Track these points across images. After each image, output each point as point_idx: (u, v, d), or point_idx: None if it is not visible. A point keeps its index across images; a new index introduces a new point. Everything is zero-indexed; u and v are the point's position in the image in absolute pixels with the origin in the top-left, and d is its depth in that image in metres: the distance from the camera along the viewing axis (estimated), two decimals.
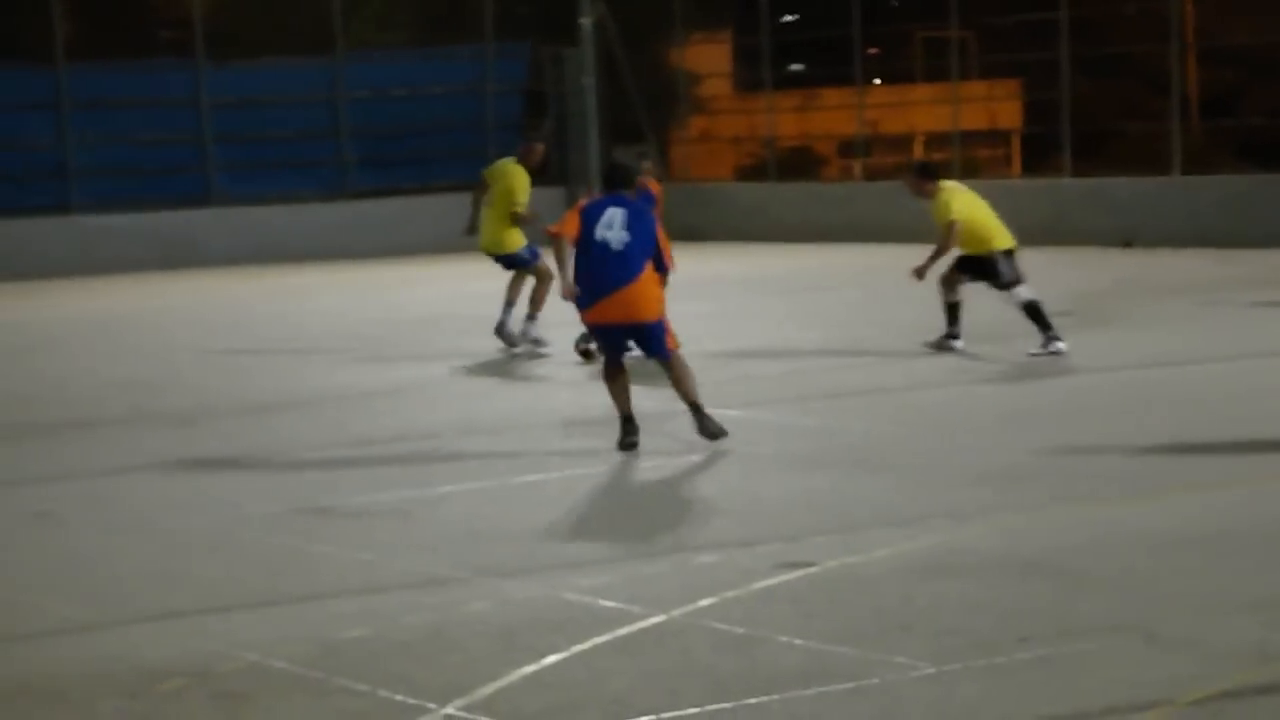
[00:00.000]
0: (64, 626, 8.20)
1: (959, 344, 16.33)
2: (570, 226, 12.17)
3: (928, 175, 16.60)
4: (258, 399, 15.20)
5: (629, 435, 12.11)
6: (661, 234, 12.56)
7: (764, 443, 12.17)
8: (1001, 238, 16.30)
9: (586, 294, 12.05)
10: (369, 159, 34.49)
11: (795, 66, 36.49)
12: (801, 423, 13.02)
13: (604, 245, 11.97)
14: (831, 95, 34.57)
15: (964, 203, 16.23)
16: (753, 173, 35.29)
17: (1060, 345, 15.85)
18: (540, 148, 18.38)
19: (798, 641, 7.41)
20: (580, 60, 34.73)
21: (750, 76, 35.62)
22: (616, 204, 12.17)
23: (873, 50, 34.13)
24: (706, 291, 23.14)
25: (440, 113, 34.93)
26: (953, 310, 16.41)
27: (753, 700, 6.69)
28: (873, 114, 33.87)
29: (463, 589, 8.55)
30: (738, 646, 7.41)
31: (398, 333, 19.90)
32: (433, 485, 11.13)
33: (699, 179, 35.08)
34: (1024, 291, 16.08)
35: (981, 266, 16.26)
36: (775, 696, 6.72)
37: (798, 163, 34.98)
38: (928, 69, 34.73)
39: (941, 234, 16.07)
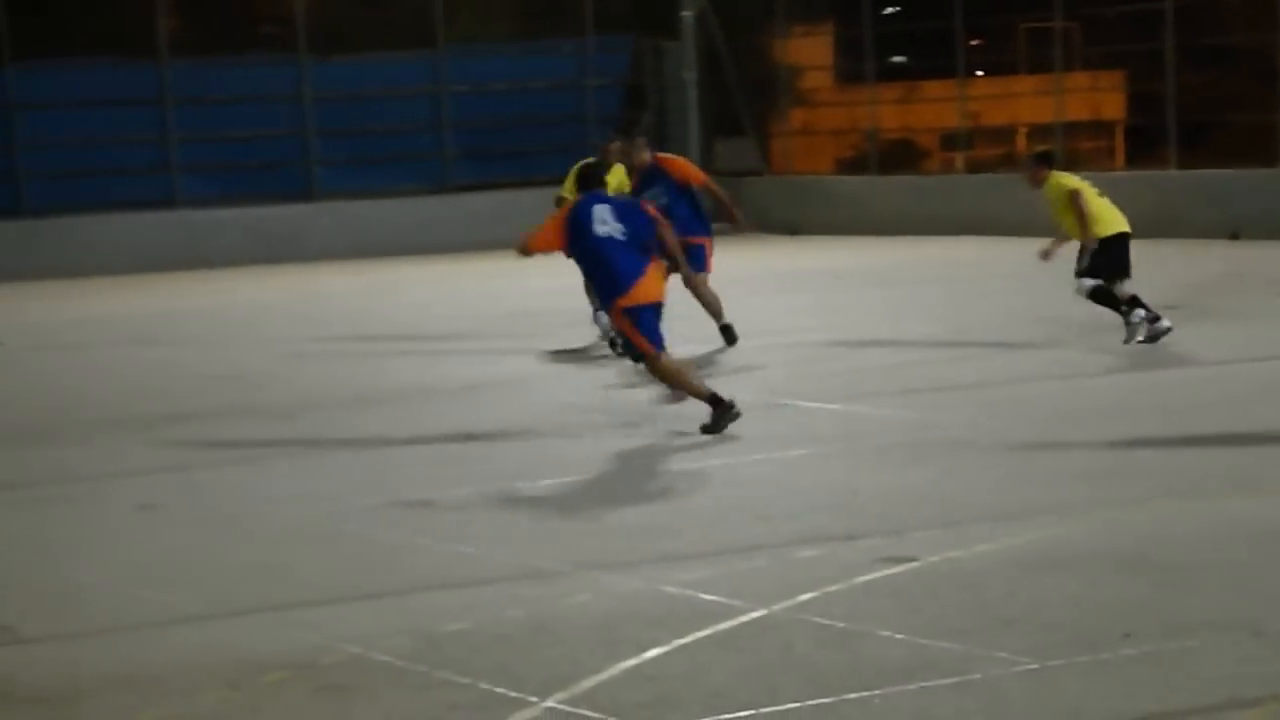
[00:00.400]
0: (167, 618, 8.27)
1: (1166, 323, 16.07)
2: (551, 239, 12.76)
3: (1044, 163, 16.53)
4: (358, 392, 15.27)
5: (729, 410, 12.22)
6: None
7: (866, 436, 12.13)
8: (1106, 225, 16.17)
9: (621, 282, 12.42)
10: (470, 153, 34.61)
11: (897, 58, 36.32)
12: (904, 416, 12.96)
13: (610, 239, 12.43)
14: (933, 87, 34.38)
15: (1080, 186, 16.14)
16: (853, 165, 35.14)
17: (1139, 313, 15.73)
18: (614, 147, 18.43)
19: (899, 636, 7.38)
20: (681, 53, 34.69)
21: (851, 69, 35.47)
22: (599, 201, 12.68)
23: (975, 41, 33.91)
24: (808, 284, 23.09)
25: (540, 107, 34.99)
26: (1133, 300, 16.21)
27: (854, 695, 6.67)
28: (975, 106, 33.66)
29: (563, 582, 8.56)
30: (839, 641, 7.39)
31: (498, 325, 19.95)
32: (533, 478, 11.16)
33: (799, 172, 34.99)
34: (1089, 281, 15.97)
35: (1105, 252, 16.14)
36: (877, 692, 6.70)
37: (899, 155, 34.81)
38: (1031, 60, 34.49)
39: (1060, 213, 15.98)
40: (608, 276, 12.54)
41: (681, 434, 12.50)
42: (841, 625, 7.58)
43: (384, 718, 6.78)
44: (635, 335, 12.59)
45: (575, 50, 35.18)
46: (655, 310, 12.56)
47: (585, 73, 34.98)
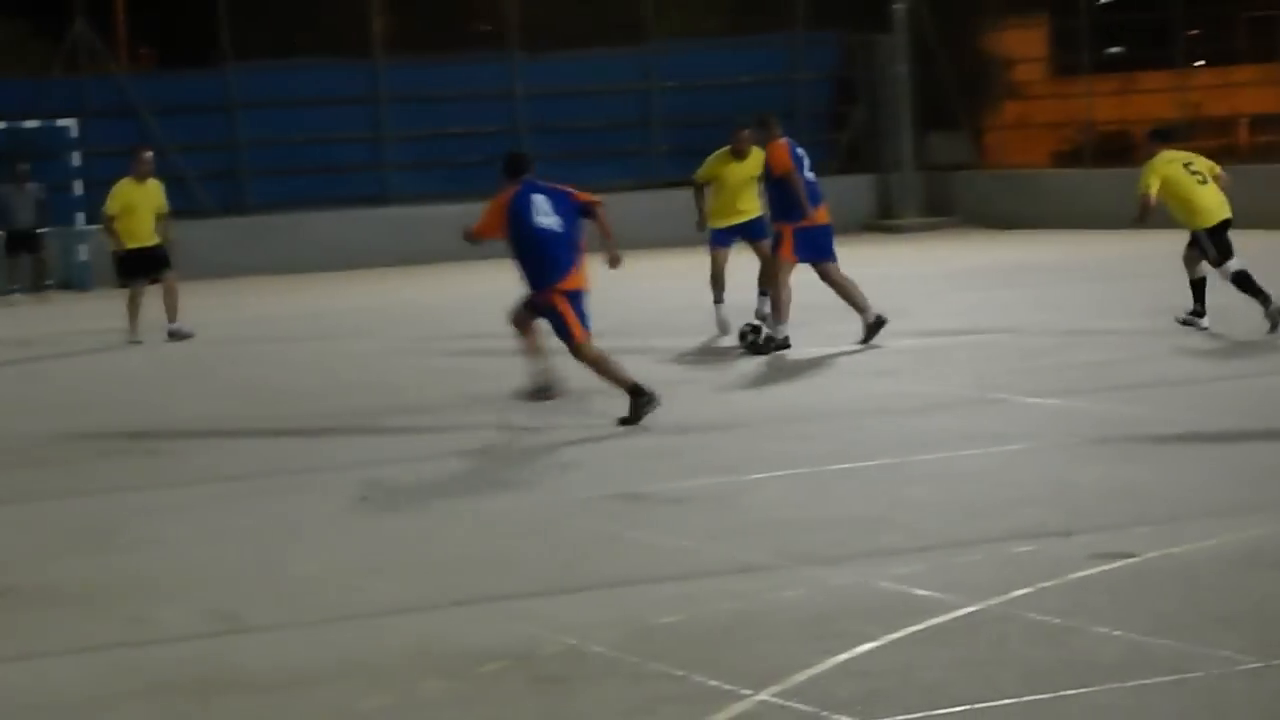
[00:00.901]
0: (387, 608, 8.42)
1: (1203, 322, 16.14)
2: (493, 226, 13.48)
3: (1156, 139, 16.57)
4: (575, 385, 15.36)
5: (649, 400, 12.91)
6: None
7: (1081, 431, 12.03)
8: (1205, 215, 16.13)
9: (561, 269, 13.15)
10: (679, 149, 34.69)
11: (1114, 49, 35.87)
12: (1118, 411, 12.84)
13: (550, 230, 13.15)
14: (1151, 78, 33.91)
15: (1167, 174, 16.08)
16: (1068, 158, 34.76)
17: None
18: (745, 134, 18.52)
19: (1116, 633, 7.33)
20: (892, 47, 34.52)
21: (1067, 60, 35.09)
22: (535, 191, 13.33)
23: (1194, 31, 33.40)
24: (1022, 279, 22.90)
25: (750, 102, 34.92)
26: (1196, 288, 16.27)
27: (1070, 692, 6.64)
28: (1195, 97, 33.15)
29: (776, 576, 8.60)
30: (1053, 637, 7.35)
31: (709, 320, 19.99)
32: (746, 472, 11.20)
33: (1013, 165, 34.67)
34: (1234, 265, 15.92)
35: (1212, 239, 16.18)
36: (1094, 688, 6.66)
37: (1115, 148, 34.36)
38: (1253, 50, 33.90)
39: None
40: (546, 263, 13.18)
41: (892, 429, 12.49)
42: (1056, 621, 7.55)
43: (599, 708, 6.86)
44: (570, 317, 13.24)
45: (785, 44, 35.14)
46: (585, 297, 13.33)
47: (795, 67, 34.93)
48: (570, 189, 13.59)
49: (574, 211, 13.37)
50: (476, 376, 16.35)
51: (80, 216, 29.04)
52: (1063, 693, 6.63)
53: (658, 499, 10.61)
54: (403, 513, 10.63)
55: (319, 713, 7.00)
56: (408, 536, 9.96)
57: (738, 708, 6.70)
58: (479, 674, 7.26)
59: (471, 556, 9.40)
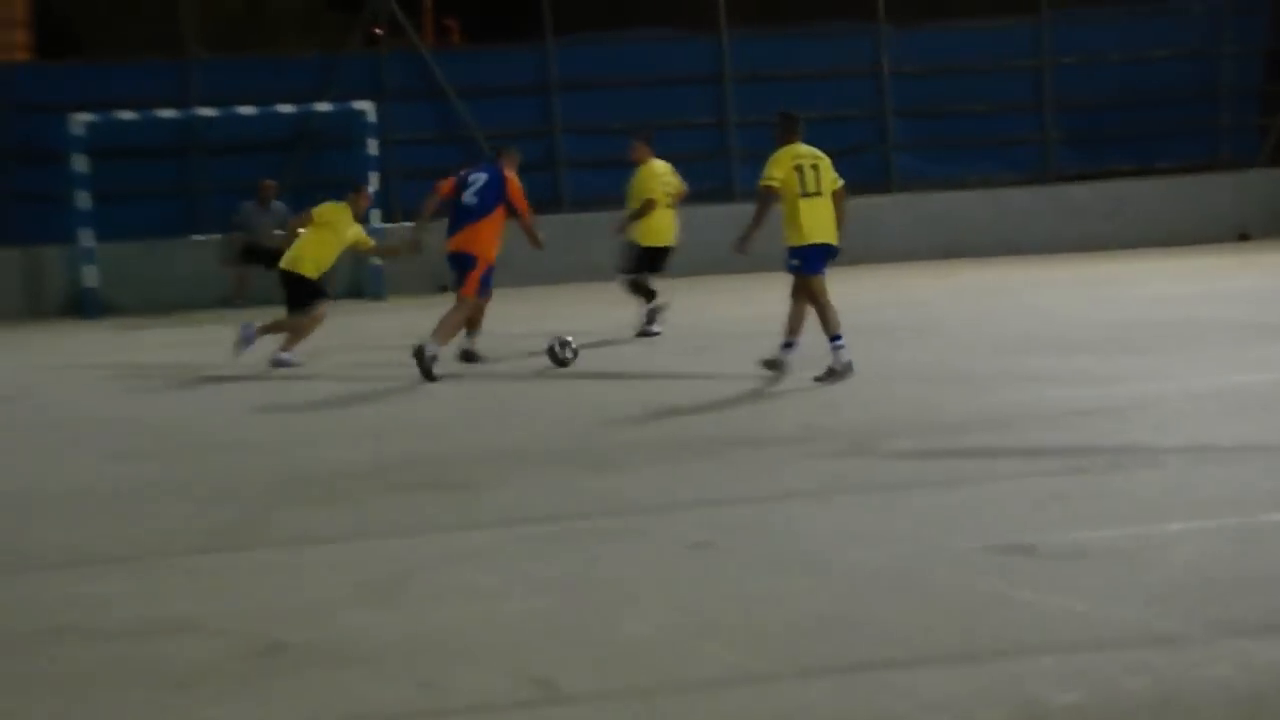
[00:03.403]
0: (729, 675, 8.32)
1: None
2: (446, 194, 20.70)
3: None
4: (944, 417, 15.22)
5: (428, 367, 19.36)
6: None
7: None
8: None
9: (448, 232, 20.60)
10: (1077, 136, 34.30)
11: None
12: None
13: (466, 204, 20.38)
14: None
15: None
16: None
17: None
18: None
19: None
20: None
21: None
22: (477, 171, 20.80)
23: None
24: None
25: (1163, 80, 34.45)
26: None
27: None
28: None
29: (1197, 649, 8.33)
30: None
31: (1119, 338, 19.67)
32: (1159, 521, 10.92)
33: None
34: None
35: None
36: None
37: None
38: None
39: None
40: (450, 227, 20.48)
41: None
42: None
43: None
44: (474, 281, 20.21)
45: (1206, 13, 34.52)
46: (470, 260, 20.27)
47: (1218, 39, 34.27)
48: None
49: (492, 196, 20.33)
50: (830, 403, 16.24)
51: (375, 214, 29.35)
52: None
53: (1048, 552, 10.37)
54: (744, 562, 10.53)
55: None
56: (750, 591, 9.85)
57: None
58: None
59: (823, 615, 9.26)
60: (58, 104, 30.37)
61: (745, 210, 31.10)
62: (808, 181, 18.08)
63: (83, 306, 29.99)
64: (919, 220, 32.68)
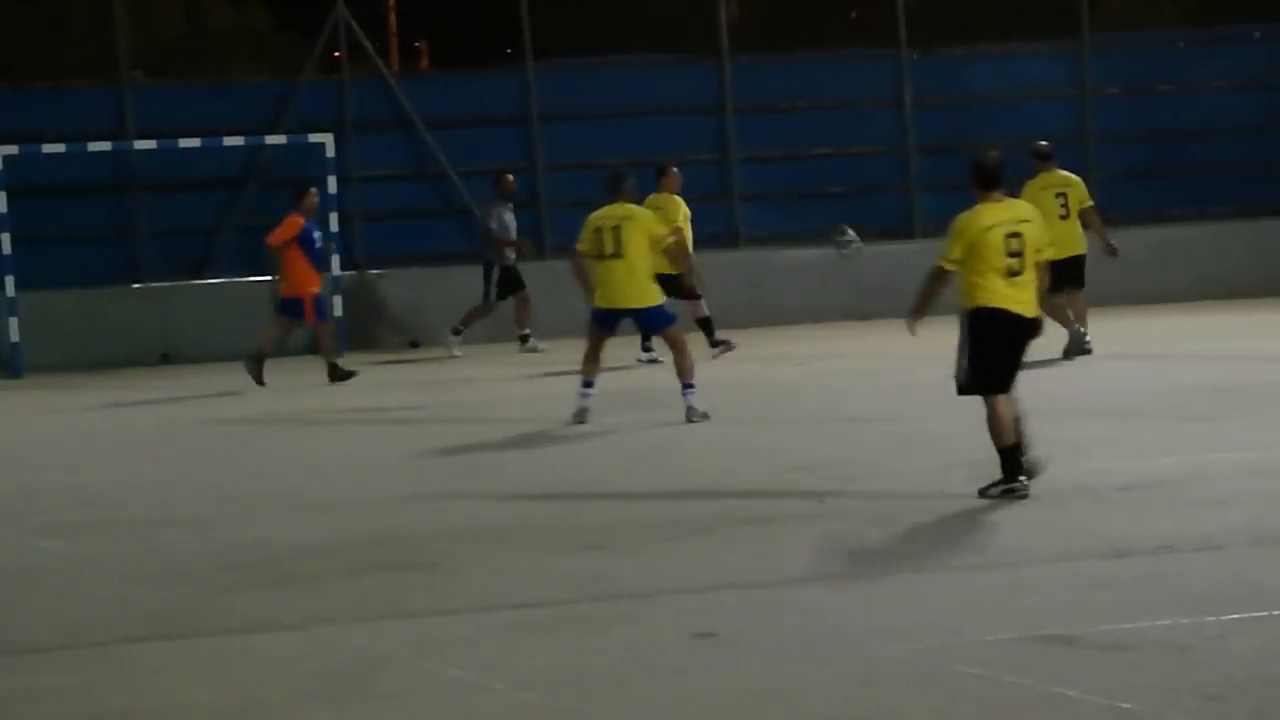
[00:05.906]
0: None
1: None
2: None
3: None
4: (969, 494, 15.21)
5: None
6: None
7: None
8: None
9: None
10: (1123, 175, 34.33)
11: None
12: None
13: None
14: None
15: None
16: None
17: None
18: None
19: None
20: None
21: None
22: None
23: None
24: None
25: (1218, 113, 34.51)
26: None
27: None
28: None
29: None
30: None
31: (1174, 403, 19.71)
32: (1216, 611, 10.95)
33: None
34: None
35: None
36: None
37: None
38: None
39: None
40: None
41: None
42: None
43: None
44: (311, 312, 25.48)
45: (1267, 39, 34.64)
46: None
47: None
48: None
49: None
50: (848, 473, 16.26)
51: (335, 261, 29.23)
52: None
53: (1091, 644, 10.42)
54: (750, 655, 10.56)
55: None
56: (758, 687, 9.89)
57: None
58: None
59: (839, 715, 9.31)
60: None
61: (751, 257, 31.37)
62: (605, 243, 20.02)
63: (3, 363, 29.79)
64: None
